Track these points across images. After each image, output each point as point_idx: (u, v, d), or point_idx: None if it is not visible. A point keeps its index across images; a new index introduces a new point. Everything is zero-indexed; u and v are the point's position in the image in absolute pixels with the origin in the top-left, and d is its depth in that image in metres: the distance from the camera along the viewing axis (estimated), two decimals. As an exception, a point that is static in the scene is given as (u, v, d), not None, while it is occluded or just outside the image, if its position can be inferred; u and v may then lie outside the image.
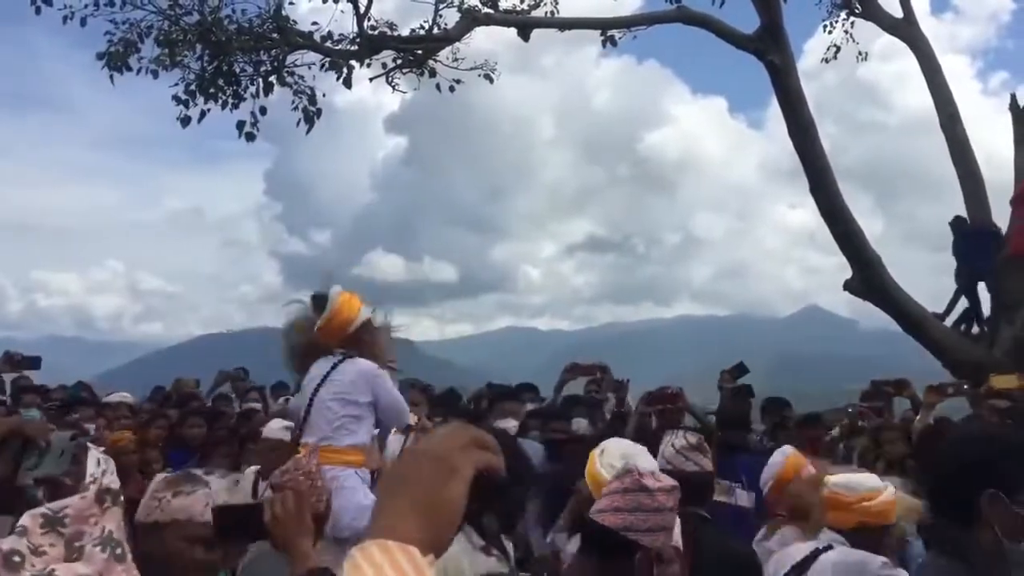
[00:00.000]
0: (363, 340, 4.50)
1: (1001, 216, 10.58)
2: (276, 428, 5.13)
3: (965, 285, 10.68)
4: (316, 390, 4.34)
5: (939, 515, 2.22)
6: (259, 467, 3.94)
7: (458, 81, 10.37)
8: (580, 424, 6.07)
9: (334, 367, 4.38)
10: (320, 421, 4.29)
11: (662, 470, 3.64)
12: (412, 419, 5.79)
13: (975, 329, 10.60)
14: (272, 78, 9.94)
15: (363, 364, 4.39)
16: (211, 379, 8.83)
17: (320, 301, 4.47)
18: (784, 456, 3.87)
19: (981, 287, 10.66)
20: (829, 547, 3.00)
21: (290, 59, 10.04)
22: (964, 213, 10.88)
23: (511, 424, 5.78)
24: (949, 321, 10.66)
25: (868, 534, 3.38)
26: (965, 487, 2.11)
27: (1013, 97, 10.78)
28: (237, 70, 9.92)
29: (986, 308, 10.71)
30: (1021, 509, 2.04)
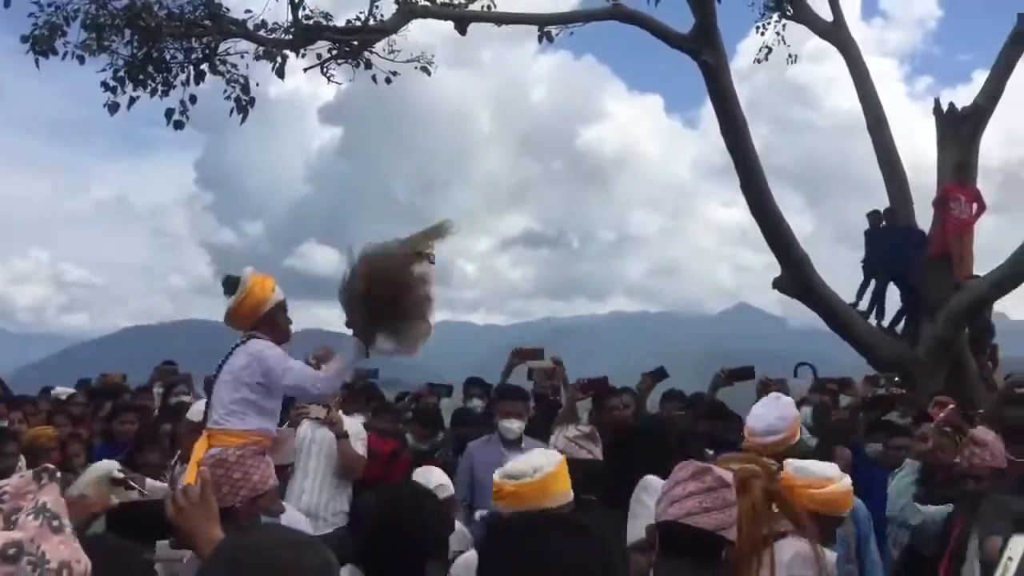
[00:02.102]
0: (277, 322, 4.43)
1: (924, 218, 10.93)
2: (197, 411, 5.06)
3: (879, 279, 11.11)
4: (215, 374, 4.30)
5: None
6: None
7: (394, 73, 10.28)
8: None
9: (232, 350, 4.32)
10: (216, 405, 4.22)
11: None
12: (320, 412, 5.71)
13: (873, 319, 10.97)
14: (203, 66, 9.71)
15: (254, 345, 4.29)
16: (143, 372, 8.66)
17: (231, 283, 4.38)
18: (792, 406, 4.16)
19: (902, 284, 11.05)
20: (783, 534, 3.06)
21: (222, 47, 9.82)
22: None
23: (515, 426, 5.48)
24: (863, 306, 11.06)
25: (819, 521, 3.43)
26: None
27: (937, 101, 11.12)
28: (167, 57, 9.68)
29: (897, 303, 11.13)
30: None
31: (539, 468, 3.13)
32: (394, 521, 2.76)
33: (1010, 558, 0.84)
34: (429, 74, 10.58)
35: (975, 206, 10.57)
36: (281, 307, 4.46)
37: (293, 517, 4.05)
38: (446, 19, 10.29)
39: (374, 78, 10.30)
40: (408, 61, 10.40)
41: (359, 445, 5.78)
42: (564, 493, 3.18)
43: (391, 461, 5.97)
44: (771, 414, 4.23)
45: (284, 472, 4.70)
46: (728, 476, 2.32)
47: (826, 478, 3.45)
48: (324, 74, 10.34)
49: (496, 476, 3.19)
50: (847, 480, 3.50)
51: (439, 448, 6.50)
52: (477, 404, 7.22)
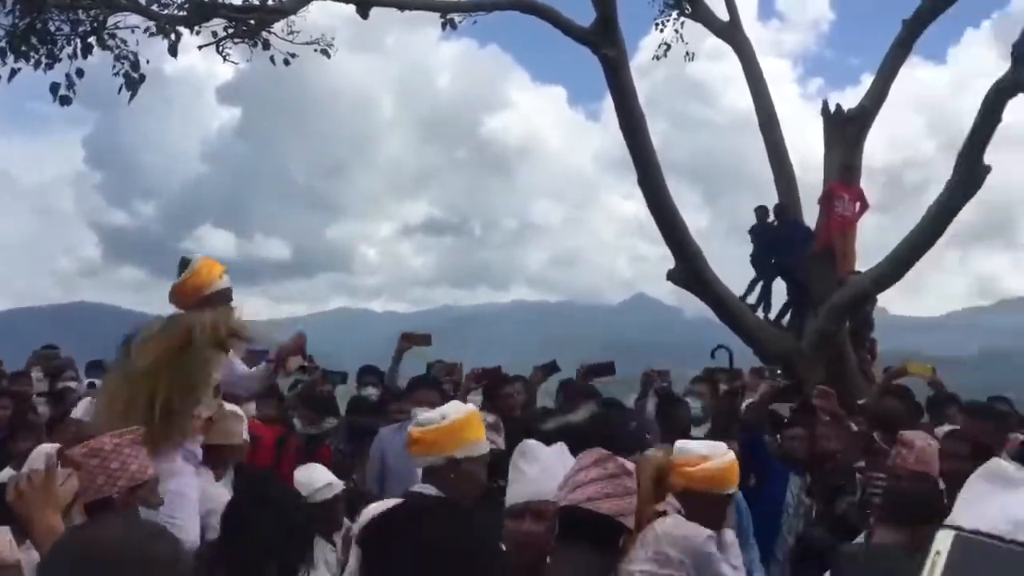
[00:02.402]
0: (216, 307, 4.45)
1: (812, 214, 11.31)
2: (84, 409, 4.89)
3: (767, 273, 11.50)
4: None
5: None
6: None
7: (293, 55, 10.07)
8: None
9: None
10: None
11: None
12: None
13: (760, 312, 11.36)
14: (91, 39, 9.33)
15: None
16: (24, 356, 8.30)
17: (184, 264, 4.59)
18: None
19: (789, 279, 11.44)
20: (664, 513, 3.12)
21: (111, 21, 9.44)
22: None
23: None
24: (753, 300, 11.45)
25: (697, 501, 3.48)
26: None
27: (825, 103, 11.50)
28: (52, 28, 9.27)
29: (784, 297, 11.54)
30: None
31: (447, 415, 3.20)
32: (237, 523, 2.70)
33: (938, 552, 0.85)
34: (329, 57, 10.41)
35: (858, 205, 10.99)
36: (224, 295, 4.56)
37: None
38: (347, 2, 10.14)
39: (272, 59, 10.07)
40: (307, 43, 10.22)
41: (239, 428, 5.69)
42: (475, 441, 3.25)
43: (279, 448, 5.86)
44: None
45: (221, 453, 4.65)
46: (630, 465, 2.39)
47: (700, 456, 3.47)
48: (220, 53, 10.06)
49: (410, 427, 3.27)
50: (727, 458, 3.51)
51: (329, 435, 6.42)
52: (372, 392, 7.16)
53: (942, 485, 3.91)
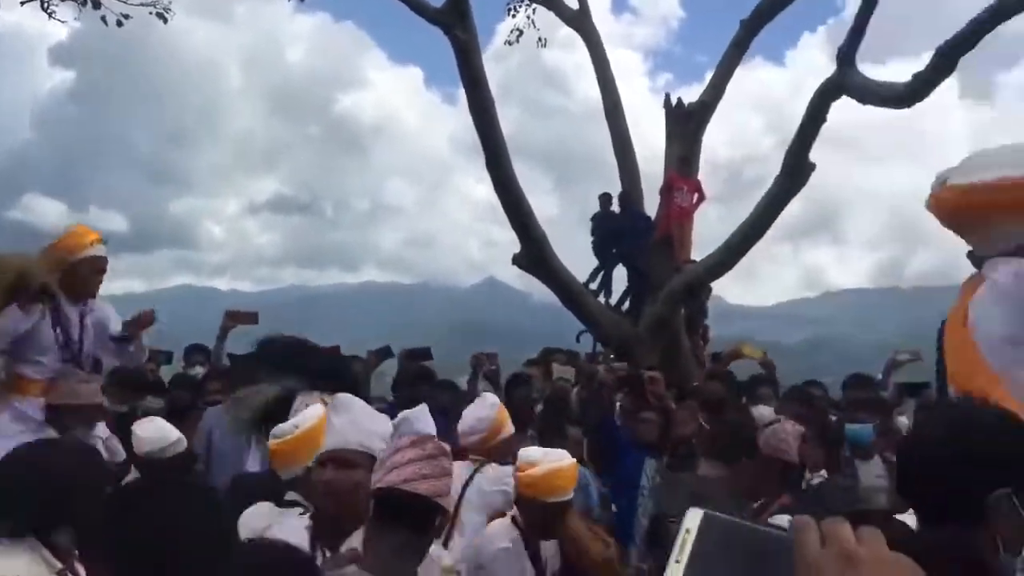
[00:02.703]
0: (78, 274, 4.60)
1: (654, 204, 11.65)
2: None
3: (609, 259, 11.81)
4: None
5: (928, 516, 1.86)
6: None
7: (126, 16, 9.52)
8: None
9: None
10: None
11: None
12: None
13: (601, 297, 11.69)
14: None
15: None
16: None
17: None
18: (495, 409, 4.20)
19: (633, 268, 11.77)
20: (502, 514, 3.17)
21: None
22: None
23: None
24: (596, 286, 11.74)
25: (525, 507, 3.50)
26: (975, 483, 1.76)
27: (667, 96, 11.87)
28: None
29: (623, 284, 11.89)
30: None
31: (300, 424, 3.15)
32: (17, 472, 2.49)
33: (688, 530, 0.85)
34: (165, 21, 9.90)
35: (696, 196, 11.41)
36: (90, 263, 4.63)
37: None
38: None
39: (104, 19, 9.49)
40: (142, 4, 9.67)
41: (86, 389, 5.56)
42: None
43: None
44: (471, 414, 4.36)
45: (68, 413, 4.52)
46: (447, 445, 2.38)
47: (527, 461, 3.44)
48: (45, 10, 9.41)
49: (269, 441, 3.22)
50: (557, 465, 3.43)
51: (147, 413, 6.18)
52: (199, 371, 6.94)
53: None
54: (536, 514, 3.43)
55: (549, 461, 3.43)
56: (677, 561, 0.84)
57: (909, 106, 8.56)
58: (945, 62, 7.93)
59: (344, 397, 2.99)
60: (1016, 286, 2.40)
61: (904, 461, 1.97)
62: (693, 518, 0.85)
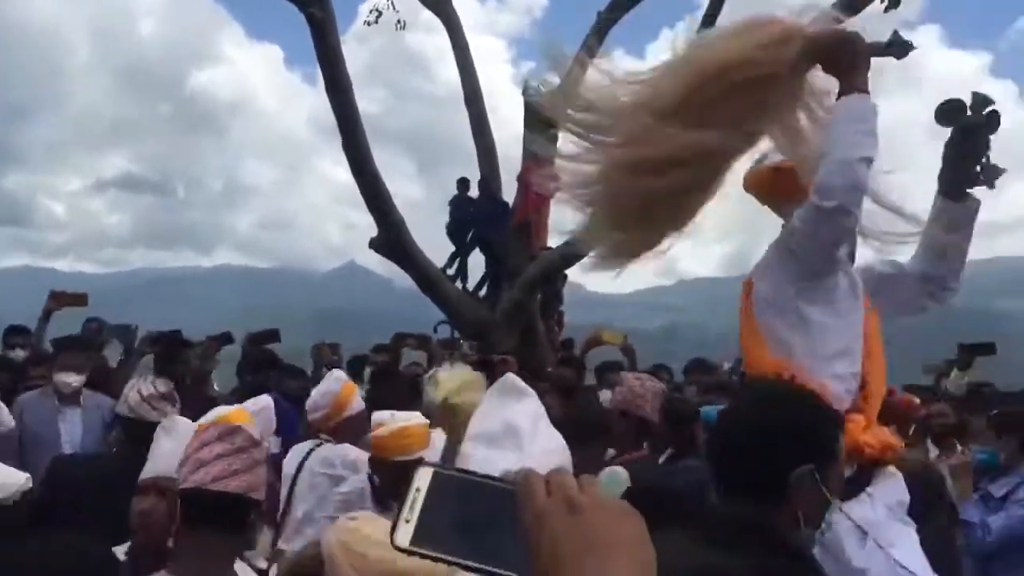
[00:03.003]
0: None
1: (512, 189, 11.74)
2: None
3: (465, 244, 11.86)
4: None
5: (734, 493, 1.88)
6: None
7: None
8: None
9: None
10: None
11: (125, 417, 3.54)
12: None
13: (458, 283, 11.76)
14: None
15: None
16: None
17: None
18: (340, 383, 4.14)
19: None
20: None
21: None
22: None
23: (73, 380, 5.24)
24: (453, 271, 11.78)
25: (378, 468, 3.54)
26: (778, 461, 1.83)
27: (526, 83, 11.94)
28: None
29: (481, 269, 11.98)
30: (827, 490, 1.84)
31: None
32: None
33: (418, 489, 0.86)
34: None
35: (554, 184, 11.56)
36: None
37: None
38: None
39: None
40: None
41: None
42: None
43: None
44: (316, 390, 4.35)
45: None
46: (257, 434, 2.27)
47: (376, 423, 3.57)
48: None
49: None
50: (404, 425, 3.54)
51: None
52: (19, 354, 6.61)
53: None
54: (387, 474, 3.48)
55: (396, 421, 3.55)
56: (407, 520, 0.85)
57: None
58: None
59: (176, 420, 2.88)
60: (772, 252, 2.56)
61: (711, 440, 2.06)
62: (423, 476, 0.87)
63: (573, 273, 11.65)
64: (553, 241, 11.36)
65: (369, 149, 10.09)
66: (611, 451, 4.18)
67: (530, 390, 2.01)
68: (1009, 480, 4.27)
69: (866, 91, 2.36)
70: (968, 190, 2.69)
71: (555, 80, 2.79)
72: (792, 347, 2.41)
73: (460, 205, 12.04)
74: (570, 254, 10.51)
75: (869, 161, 2.31)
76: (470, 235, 11.88)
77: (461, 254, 11.94)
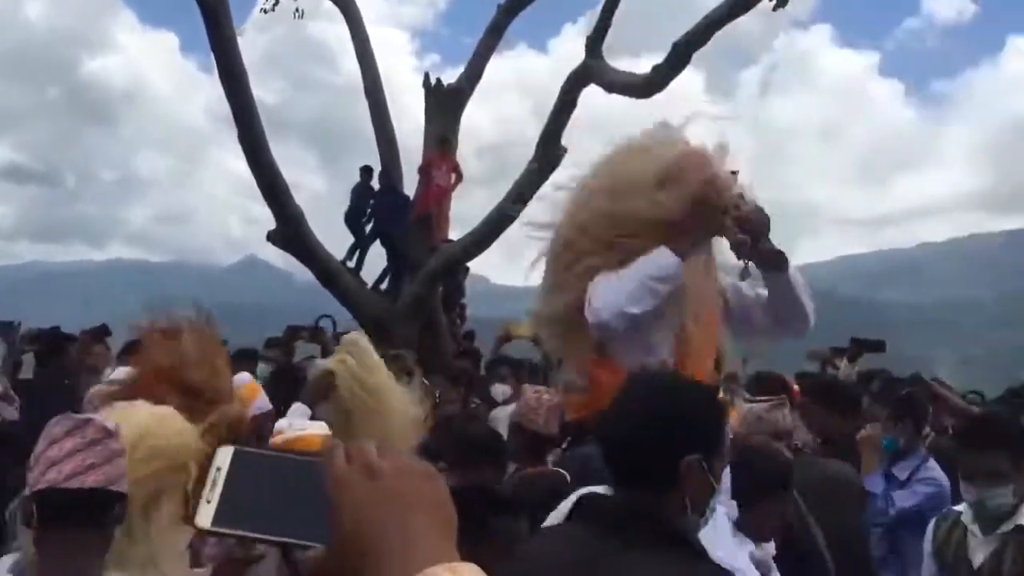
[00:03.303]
0: None
1: (413, 181, 11.68)
2: None
3: (365, 236, 11.76)
4: None
5: (624, 481, 1.91)
6: None
7: None
8: None
9: None
10: None
11: None
12: None
13: (356, 270, 11.67)
14: None
15: None
16: None
17: None
18: (242, 384, 4.05)
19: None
20: None
21: None
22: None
23: None
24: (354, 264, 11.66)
25: None
26: (669, 449, 1.86)
27: (427, 76, 11.90)
28: None
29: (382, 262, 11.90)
30: (713, 478, 1.89)
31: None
32: None
33: (218, 468, 0.86)
34: None
35: (454, 176, 11.56)
36: None
37: None
38: None
39: None
40: None
41: None
42: None
43: None
44: None
45: None
46: (112, 424, 2.16)
47: (276, 431, 3.54)
48: None
49: None
50: (299, 434, 3.44)
51: None
52: None
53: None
54: None
55: (293, 430, 3.50)
56: (208, 501, 0.84)
57: (649, 95, 9.12)
58: (681, 55, 8.52)
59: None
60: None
61: (602, 428, 2.09)
62: (224, 456, 0.87)
63: (476, 265, 11.71)
64: (454, 234, 11.38)
65: (266, 140, 9.88)
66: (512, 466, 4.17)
67: None
68: (909, 463, 4.46)
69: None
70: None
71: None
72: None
73: (362, 194, 11.90)
74: (471, 246, 10.57)
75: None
76: (369, 228, 11.76)
77: (360, 246, 11.82)
